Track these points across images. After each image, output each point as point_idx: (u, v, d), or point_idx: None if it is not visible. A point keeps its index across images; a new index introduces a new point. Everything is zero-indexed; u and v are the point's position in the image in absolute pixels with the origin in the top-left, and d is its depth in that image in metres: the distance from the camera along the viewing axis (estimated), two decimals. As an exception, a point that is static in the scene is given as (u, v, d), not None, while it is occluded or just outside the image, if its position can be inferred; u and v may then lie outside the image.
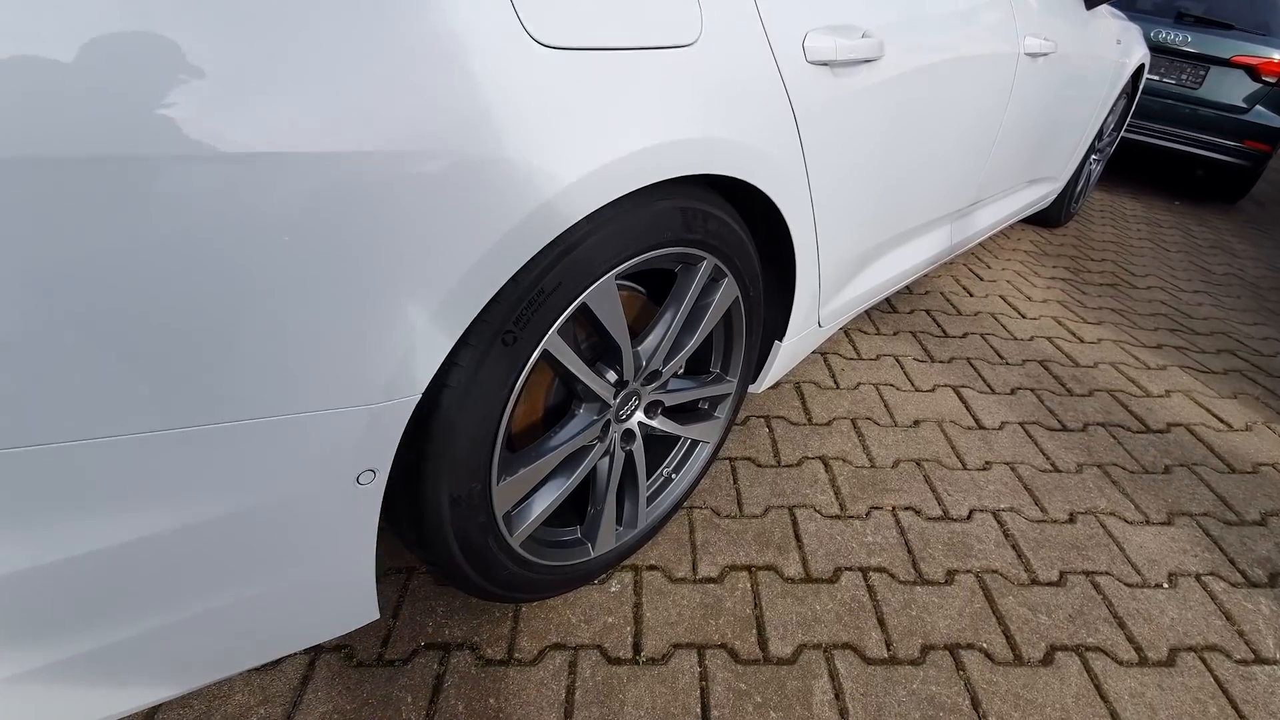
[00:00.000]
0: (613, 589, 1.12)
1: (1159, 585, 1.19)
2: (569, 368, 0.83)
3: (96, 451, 0.49)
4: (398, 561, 1.14)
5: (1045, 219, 3.05)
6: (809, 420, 1.55)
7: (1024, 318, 2.13)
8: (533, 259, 0.71)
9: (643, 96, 0.72)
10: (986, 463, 1.45)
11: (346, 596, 0.74)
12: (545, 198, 0.65)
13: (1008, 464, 1.45)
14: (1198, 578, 1.21)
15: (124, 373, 0.48)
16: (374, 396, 0.61)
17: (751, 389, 1.36)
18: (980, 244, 2.77)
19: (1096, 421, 1.62)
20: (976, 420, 1.59)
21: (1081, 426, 1.60)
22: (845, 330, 1.95)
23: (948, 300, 2.20)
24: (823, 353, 1.82)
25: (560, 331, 0.79)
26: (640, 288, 1.03)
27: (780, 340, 1.27)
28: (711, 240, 0.93)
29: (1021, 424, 1.59)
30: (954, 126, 1.44)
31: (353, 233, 0.53)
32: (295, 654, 1.00)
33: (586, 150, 0.67)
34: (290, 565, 0.66)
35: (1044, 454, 1.49)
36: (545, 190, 0.64)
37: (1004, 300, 2.25)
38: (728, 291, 1.03)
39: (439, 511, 0.77)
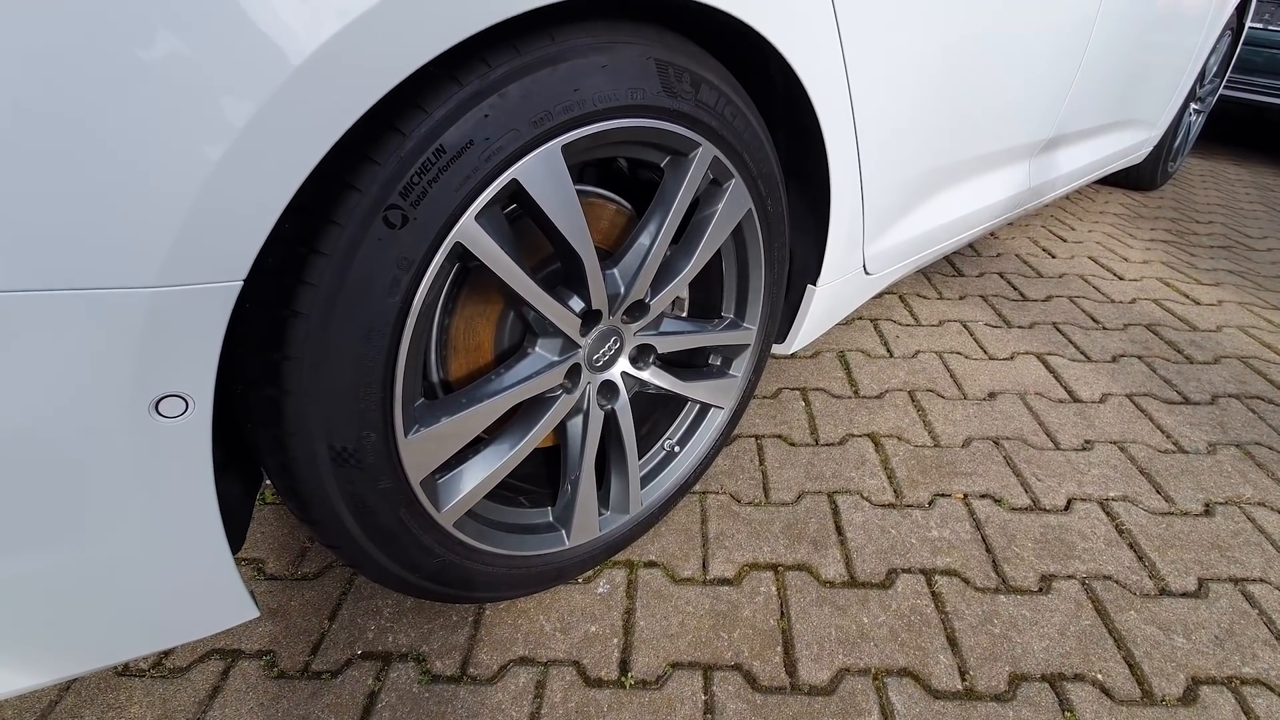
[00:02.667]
0: (599, 590, 0.89)
1: (1346, 600, 0.87)
2: (503, 278, 0.60)
3: None
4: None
5: (1138, 179, 2.65)
6: (855, 393, 1.27)
7: (1121, 279, 1.78)
8: (418, 98, 0.49)
9: None
10: (1087, 441, 1.14)
11: (189, 582, 0.53)
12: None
13: (1115, 443, 1.14)
14: (1402, 591, 0.88)
15: None
16: (149, 273, 0.40)
17: (779, 349, 1.11)
18: (1060, 203, 2.40)
19: (1228, 393, 1.28)
20: (1070, 392, 1.28)
21: (1210, 399, 1.26)
22: (902, 295, 1.66)
23: (1024, 262, 1.87)
24: (871, 319, 1.54)
25: (484, 220, 0.56)
26: (626, 203, 0.80)
27: (814, 284, 1.02)
28: (706, 117, 0.69)
29: (1129, 396, 1.27)
30: (1036, 31, 1.16)
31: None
32: (210, 659, 0.81)
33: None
34: (82, 531, 0.45)
35: (1162, 431, 1.17)
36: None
37: (1094, 261, 1.90)
38: (735, 199, 0.79)
39: (315, 469, 0.56)
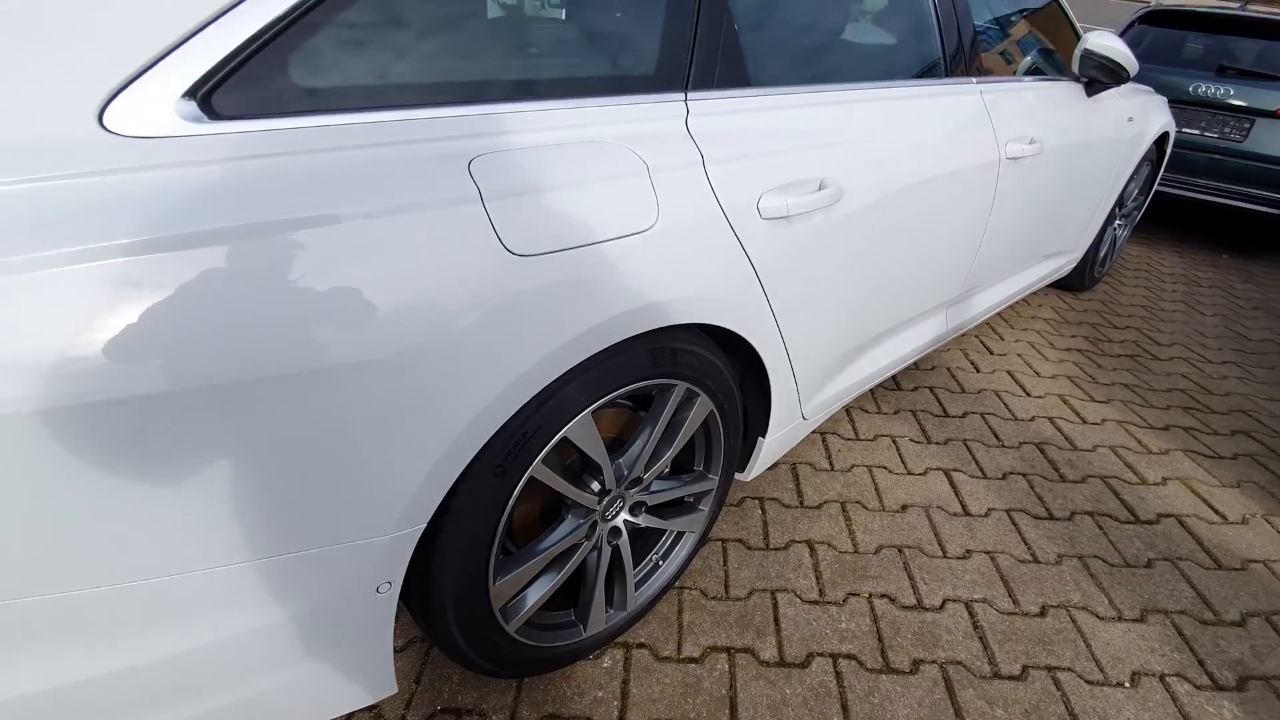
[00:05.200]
0: (605, 664, 1.27)
1: (1120, 684, 1.25)
2: (555, 488, 1.00)
3: (181, 581, 0.69)
4: (421, 633, 1.32)
5: (1069, 283, 3.07)
6: (801, 503, 1.67)
7: (1028, 395, 2.19)
8: (518, 410, 0.89)
9: (605, 278, 0.89)
10: (967, 551, 1.53)
11: (368, 677, 0.92)
12: (525, 368, 0.83)
13: (988, 553, 1.53)
14: (1162, 678, 1.27)
15: (216, 518, 0.68)
16: (391, 528, 0.80)
17: (740, 477, 1.50)
18: (998, 314, 2.82)
19: (1084, 510, 1.68)
20: (964, 506, 1.67)
21: (1068, 515, 1.66)
22: (848, 409, 2.06)
23: (952, 376, 2.28)
24: (822, 432, 1.94)
25: (545, 460, 0.96)
26: (629, 402, 1.20)
27: (763, 437, 1.41)
28: (681, 370, 1.09)
29: (1008, 511, 1.66)
30: (929, 238, 1.56)
31: (378, 405, 0.72)
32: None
33: (558, 327, 0.85)
34: (321, 656, 0.84)
35: (1026, 543, 1.56)
36: (526, 361, 0.83)
37: (1010, 376, 2.31)
38: (703, 406, 1.19)
39: (444, 609, 0.95)
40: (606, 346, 0.94)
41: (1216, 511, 1.69)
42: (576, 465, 1.12)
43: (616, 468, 1.12)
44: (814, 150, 1.19)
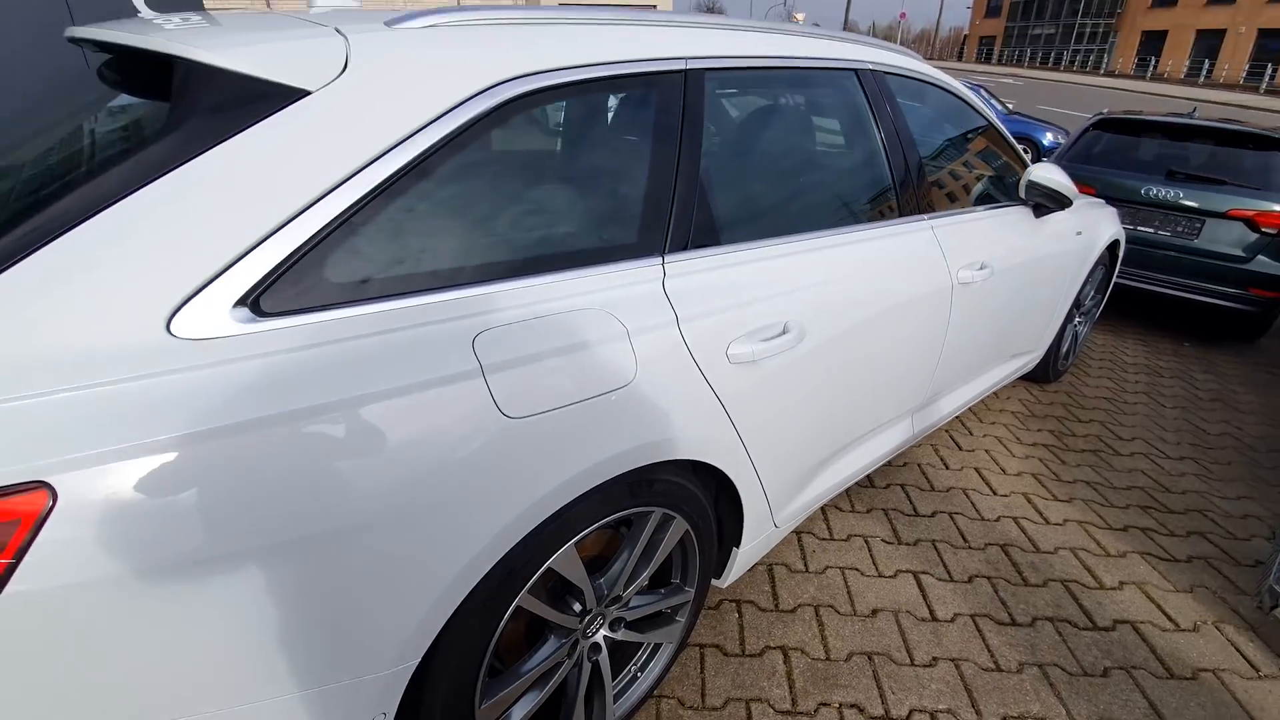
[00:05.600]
0: (583, 777, 1.31)
1: (1076, 799, 1.31)
2: (538, 614, 1.09)
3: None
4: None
5: (1036, 377, 3.23)
6: (776, 606, 1.74)
7: (995, 494, 2.30)
8: (508, 551, 0.99)
9: (588, 430, 1.01)
10: (934, 659, 1.61)
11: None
12: (514, 515, 0.94)
13: (953, 660, 1.60)
14: (1116, 793, 1.33)
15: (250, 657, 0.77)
16: (387, 666, 0.88)
17: (717, 584, 1.59)
18: (971, 410, 2.96)
19: (1045, 615, 1.76)
20: (931, 611, 1.75)
21: (1030, 621, 1.74)
22: (823, 508, 2.16)
23: (923, 473, 2.39)
24: (799, 532, 2.03)
25: (531, 590, 1.05)
26: (613, 527, 1.29)
27: (738, 547, 1.51)
28: (657, 499, 1.20)
29: (973, 616, 1.74)
30: (887, 361, 1.71)
31: (385, 558, 0.83)
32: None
33: (547, 476, 0.96)
34: None
35: (989, 650, 1.64)
36: (515, 509, 0.93)
37: (978, 473, 2.42)
38: (678, 528, 1.29)
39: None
40: (589, 488, 1.05)
41: (1169, 618, 1.77)
42: (559, 588, 1.21)
43: (597, 588, 1.21)
44: (778, 297, 1.34)
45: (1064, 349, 3.20)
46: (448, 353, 0.89)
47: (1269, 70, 29.44)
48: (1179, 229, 4.16)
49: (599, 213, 1.17)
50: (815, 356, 1.43)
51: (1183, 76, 35.05)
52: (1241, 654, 1.67)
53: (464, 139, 0.96)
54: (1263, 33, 32.39)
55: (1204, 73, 33.59)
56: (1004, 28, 50.98)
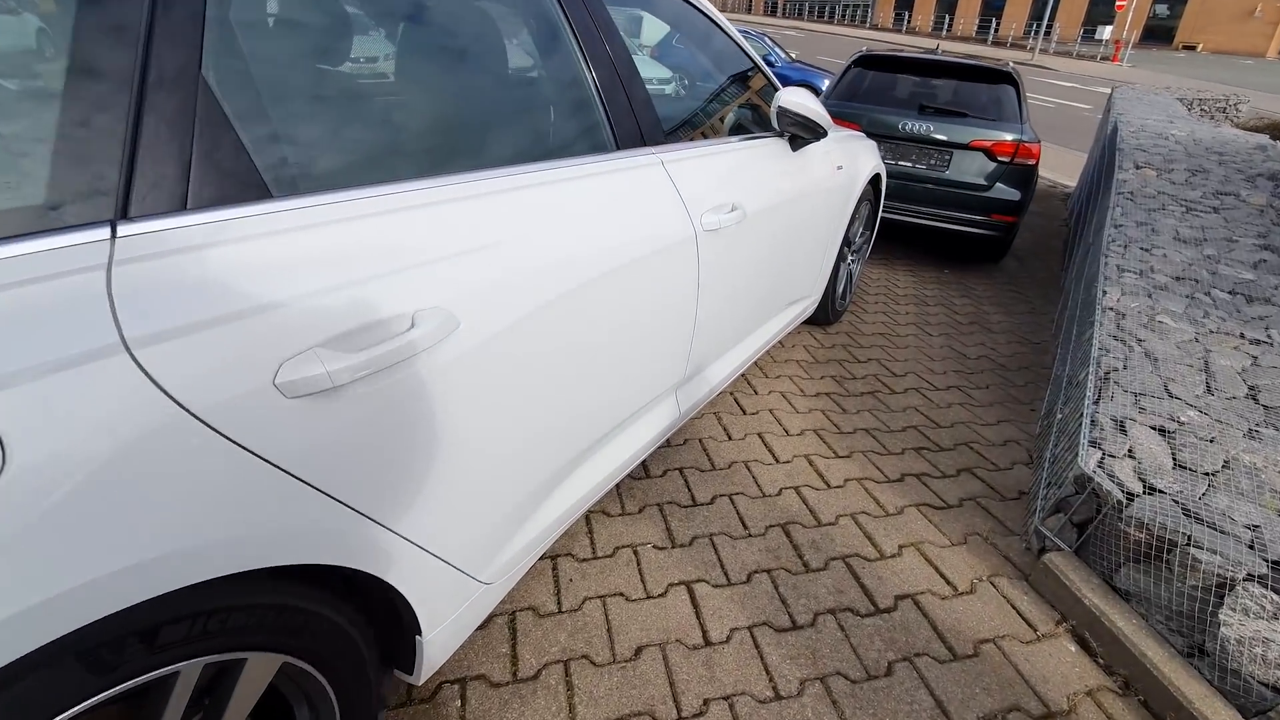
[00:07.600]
0: None
1: None
2: None
3: None
4: None
5: (817, 320, 3.14)
6: (514, 675, 1.33)
7: (777, 462, 2.08)
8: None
9: None
10: (704, 702, 1.30)
11: None
12: None
13: (727, 698, 1.31)
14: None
15: None
16: None
17: (410, 680, 1.12)
18: (754, 363, 2.76)
19: (827, 608, 1.54)
20: (705, 633, 1.45)
21: (811, 620, 1.50)
22: (588, 515, 1.78)
23: (704, 450, 2.11)
24: (552, 556, 1.63)
25: None
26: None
27: (420, 635, 1.05)
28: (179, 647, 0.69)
29: (751, 629, 1.47)
30: (614, 342, 1.32)
31: None
32: None
33: None
34: None
35: (768, 672, 1.37)
36: None
37: (761, 440, 2.20)
38: (260, 667, 0.79)
39: None
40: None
41: (947, 581, 1.65)
42: None
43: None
44: (392, 275, 0.85)
45: (840, 289, 3.14)
46: None
47: (993, 24, 34.85)
48: (932, 162, 4.37)
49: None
50: (481, 355, 0.98)
51: (930, 30, 40.04)
52: (1019, 612, 1.57)
53: None
54: (987, -8, 38.01)
55: (946, 26, 38.81)
56: (785, -18, 54.06)
